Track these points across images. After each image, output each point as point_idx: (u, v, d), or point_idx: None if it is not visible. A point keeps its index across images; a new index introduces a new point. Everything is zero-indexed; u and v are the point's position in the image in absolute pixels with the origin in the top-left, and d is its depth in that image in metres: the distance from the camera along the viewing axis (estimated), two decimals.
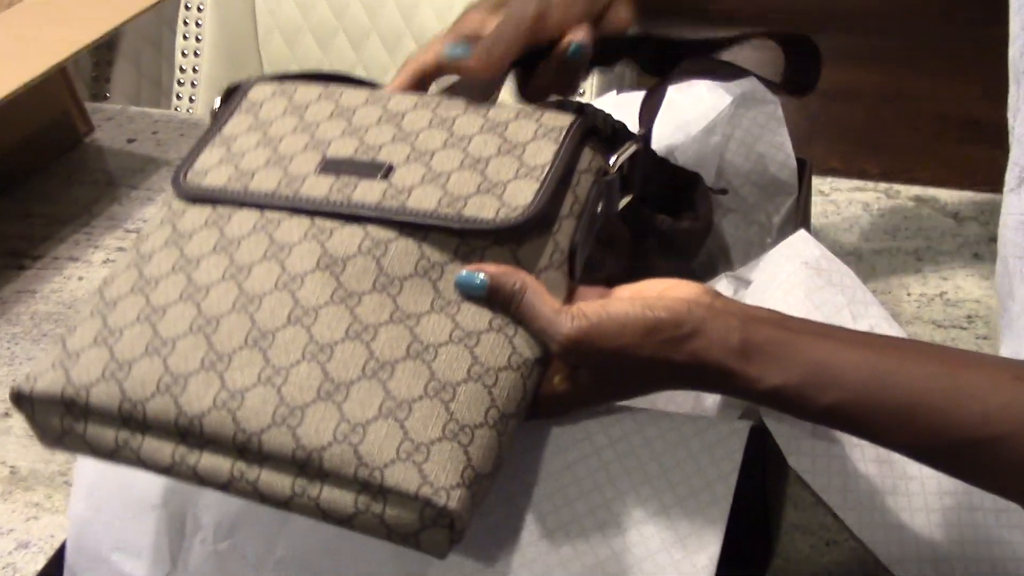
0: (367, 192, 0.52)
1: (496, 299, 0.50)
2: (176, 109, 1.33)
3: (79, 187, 1.07)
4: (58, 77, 1.08)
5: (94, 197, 1.06)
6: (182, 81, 1.32)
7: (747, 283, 0.67)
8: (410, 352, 0.49)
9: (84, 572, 0.63)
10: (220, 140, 0.57)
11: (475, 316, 0.50)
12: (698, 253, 0.71)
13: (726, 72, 0.70)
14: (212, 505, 0.60)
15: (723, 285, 0.69)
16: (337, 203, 0.52)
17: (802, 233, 0.66)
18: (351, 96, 0.58)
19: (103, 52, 1.46)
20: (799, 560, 0.64)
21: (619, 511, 0.55)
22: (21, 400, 0.52)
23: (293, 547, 0.58)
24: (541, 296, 0.50)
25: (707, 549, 0.53)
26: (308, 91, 0.59)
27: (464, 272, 0.50)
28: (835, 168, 2.10)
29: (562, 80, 0.61)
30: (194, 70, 1.32)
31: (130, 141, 1.13)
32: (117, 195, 1.06)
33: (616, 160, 0.55)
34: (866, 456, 0.57)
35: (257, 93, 0.60)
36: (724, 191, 0.75)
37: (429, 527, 0.47)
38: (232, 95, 0.60)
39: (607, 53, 0.63)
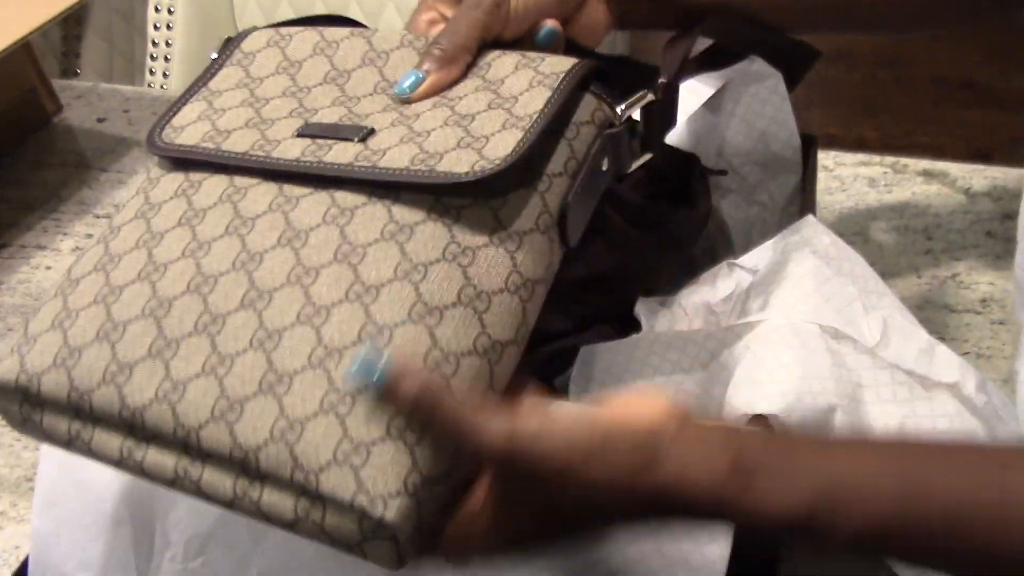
0: (340, 154, 0.48)
1: (398, 389, 0.40)
2: (150, 85, 1.28)
3: (47, 170, 1.02)
4: (23, 53, 1.02)
5: (63, 180, 1.01)
6: (155, 56, 1.27)
7: (752, 272, 0.63)
8: (362, 335, 0.44)
9: None
10: (205, 93, 0.54)
11: (443, 285, 0.45)
12: (696, 242, 0.67)
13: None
14: (182, 521, 0.56)
15: (725, 273, 0.65)
16: (307, 164, 0.48)
17: (810, 219, 0.62)
18: (348, 52, 0.54)
19: (72, 25, 1.40)
20: (808, 563, 0.60)
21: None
22: None
23: (268, 565, 0.54)
24: (465, 394, 0.42)
25: (717, 541, 0.49)
26: (303, 42, 0.55)
27: (362, 352, 0.40)
28: (833, 134, 2.06)
29: None
30: (167, 44, 1.26)
31: (100, 120, 1.08)
32: (87, 178, 1.01)
33: (624, 110, 0.50)
34: None
35: (251, 43, 0.56)
36: (723, 172, 0.71)
37: (370, 539, 0.42)
38: (228, 46, 0.57)
39: None
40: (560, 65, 0.50)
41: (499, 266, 0.46)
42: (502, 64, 0.52)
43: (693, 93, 0.71)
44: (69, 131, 1.07)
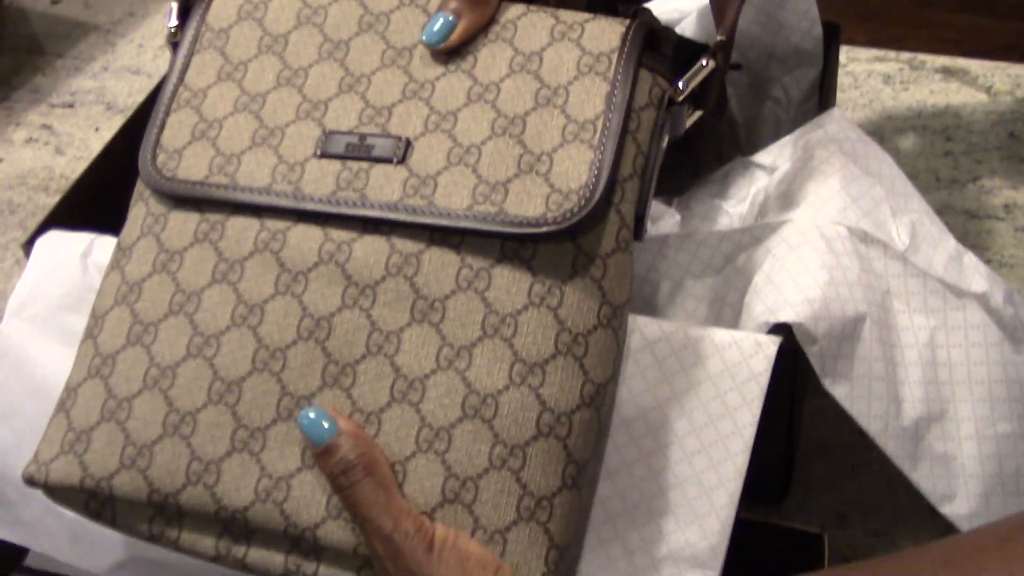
0: (383, 185, 0.42)
1: (331, 456, 0.40)
2: None
3: None
4: None
5: (14, 67, 0.94)
6: None
7: (770, 170, 0.58)
8: (466, 410, 0.40)
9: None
10: (186, 96, 0.46)
11: (537, 337, 0.40)
12: (707, 141, 0.61)
13: None
14: None
15: (738, 172, 0.60)
16: (349, 202, 0.42)
17: (835, 112, 0.57)
18: (339, 18, 0.46)
19: None
20: (820, 487, 0.57)
21: (624, 442, 0.47)
22: (36, 486, 0.44)
23: None
24: (389, 482, 0.40)
25: (727, 486, 0.46)
26: (283, 10, 0.47)
27: (314, 412, 0.40)
28: None
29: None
30: None
31: (55, 2, 1.01)
32: (40, 64, 0.94)
33: (687, 86, 0.44)
34: (910, 377, 0.49)
35: (219, 15, 0.48)
36: (738, 66, 0.65)
37: None
38: (189, 10, 0.48)
39: None
40: (608, 39, 0.43)
41: (589, 300, 0.41)
42: (531, 27, 0.44)
43: None
44: (21, 14, 1.00)
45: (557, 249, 0.41)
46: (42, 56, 0.95)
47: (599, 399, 0.41)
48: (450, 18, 0.44)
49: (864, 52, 0.84)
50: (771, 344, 0.46)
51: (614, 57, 0.42)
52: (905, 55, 0.83)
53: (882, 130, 0.77)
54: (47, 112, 0.89)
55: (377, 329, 0.41)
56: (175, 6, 0.49)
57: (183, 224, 0.44)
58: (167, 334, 0.43)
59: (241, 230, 0.43)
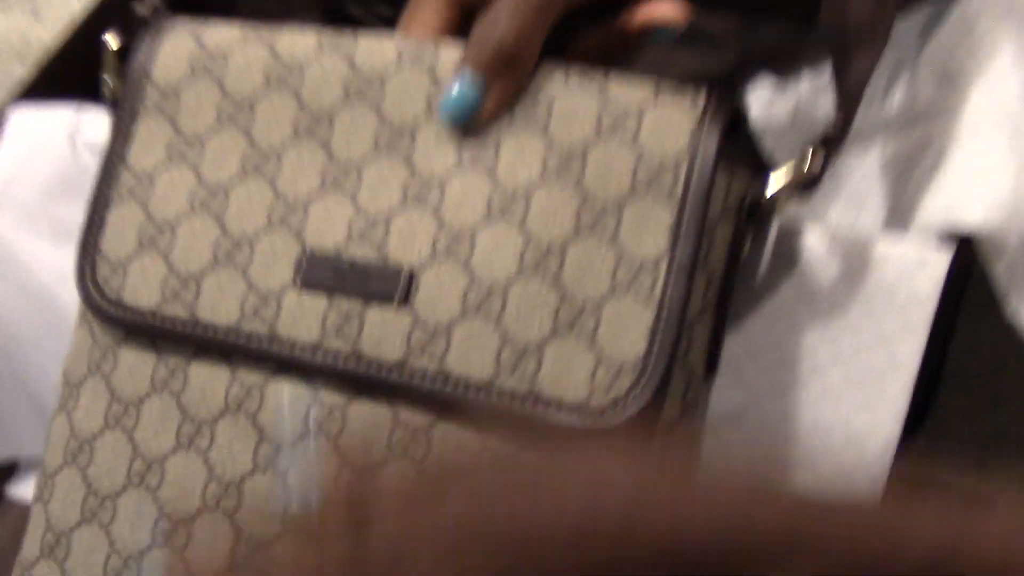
0: (382, 337, 0.34)
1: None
2: None
3: None
4: None
5: None
6: None
7: (911, 40, 0.48)
8: None
9: None
10: (130, 183, 0.37)
11: None
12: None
13: None
14: None
15: None
16: (340, 357, 0.34)
17: None
18: (320, 82, 0.36)
19: None
20: (957, 421, 0.49)
21: (752, 373, 0.39)
22: None
23: None
24: None
25: (881, 432, 0.37)
26: (248, 67, 0.37)
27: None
28: None
29: (617, 60, 0.37)
30: None
31: None
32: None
33: (780, 191, 0.35)
34: None
35: (167, 67, 0.37)
36: None
37: None
38: (130, 47, 0.38)
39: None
40: (673, 136, 0.33)
41: None
42: (572, 113, 0.34)
43: None
44: None
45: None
46: None
47: None
48: (477, 93, 0.34)
49: None
50: (941, 260, 0.37)
51: (682, 168, 0.32)
52: None
53: None
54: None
55: None
56: (111, 44, 0.38)
57: (136, 366, 0.37)
58: (126, 513, 0.37)
59: (208, 381, 0.36)
